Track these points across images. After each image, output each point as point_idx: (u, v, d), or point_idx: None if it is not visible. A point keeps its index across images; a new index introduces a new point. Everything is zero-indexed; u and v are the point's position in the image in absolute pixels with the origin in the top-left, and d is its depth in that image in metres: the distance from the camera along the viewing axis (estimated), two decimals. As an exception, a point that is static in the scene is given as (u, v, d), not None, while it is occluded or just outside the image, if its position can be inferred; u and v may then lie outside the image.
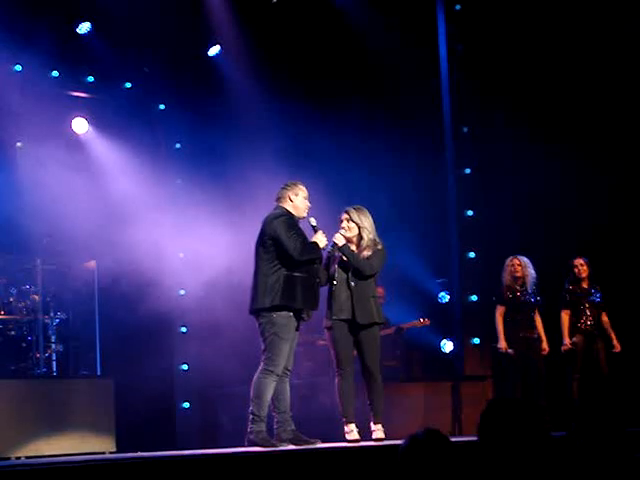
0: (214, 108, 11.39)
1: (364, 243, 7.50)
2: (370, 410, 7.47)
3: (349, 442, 7.33)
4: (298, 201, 7.29)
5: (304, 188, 7.36)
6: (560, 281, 9.70)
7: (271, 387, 7.07)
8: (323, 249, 7.29)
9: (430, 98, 11.07)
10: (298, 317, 7.19)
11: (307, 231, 7.40)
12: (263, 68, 10.98)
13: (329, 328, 7.47)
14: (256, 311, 7.17)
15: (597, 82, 10.42)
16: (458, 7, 11.00)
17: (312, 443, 7.07)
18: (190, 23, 10.62)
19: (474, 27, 10.87)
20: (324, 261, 7.45)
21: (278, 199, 7.35)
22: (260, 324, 7.16)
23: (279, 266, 7.12)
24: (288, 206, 7.29)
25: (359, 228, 7.51)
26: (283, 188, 7.35)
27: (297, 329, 7.25)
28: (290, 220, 7.19)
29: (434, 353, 11.04)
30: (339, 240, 7.44)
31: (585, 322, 9.48)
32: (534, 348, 9.39)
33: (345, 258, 7.45)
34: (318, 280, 7.26)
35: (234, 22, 10.87)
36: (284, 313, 7.09)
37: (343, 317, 7.43)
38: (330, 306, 7.46)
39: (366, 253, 7.47)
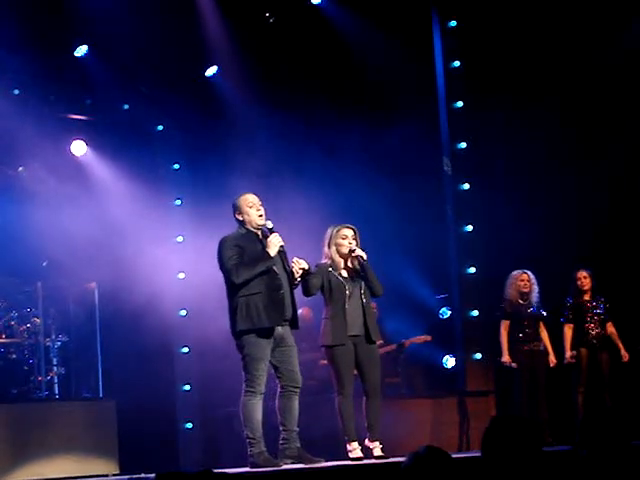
0: (212, 128, 11.42)
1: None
2: (368, 428, 7.44)
3: (352, 460, 7.32)
4: (246, 215, 7.16)
5: (246, 197, 7.19)
6: (561, 295, 9.71)
7: (258, 407, 7.01)
8: (281, 250, 7.10)
9: (427, 114, 11.08)
10: (271, 334, 7.04)
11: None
12: (261, 87, 11.00)
13: (336, 346, 7.39)
14: (234, 336, 7.13)
15: (597, 93, 10.44)
16: (453, 23, 11.02)
17: (316, 462, 7.04)
18: (187, 44, 10.64)
19: (470, 43, 10.89)
20: (313, 270, 7.39)
21: (236, 222, 7.27)
22: (237, 348, 7.14)
23: (236, 290, 7.04)
24: (243, 225, 7.19)
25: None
26: (233, 211, 7.24)
27: (280, 346, 7.12)
28: (232, 242, 7.07)
29: (436, 369, 11.02)
30: (364, 254, 7.45)
31: (589, 335, 9.48)
32: (539, 361, 9.41)
33: (361, 272, 7.44)
34: (282, 292, 7.09)
35: (231, 42, 10.90)
36: (252, 334, 6.99)
37: (356, 333, 7.40)
38: (340, 323, 7.37)
39: None
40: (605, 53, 10.30)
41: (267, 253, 7.05)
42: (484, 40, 10.74)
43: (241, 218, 7.20)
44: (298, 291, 7.42)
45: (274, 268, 7.10)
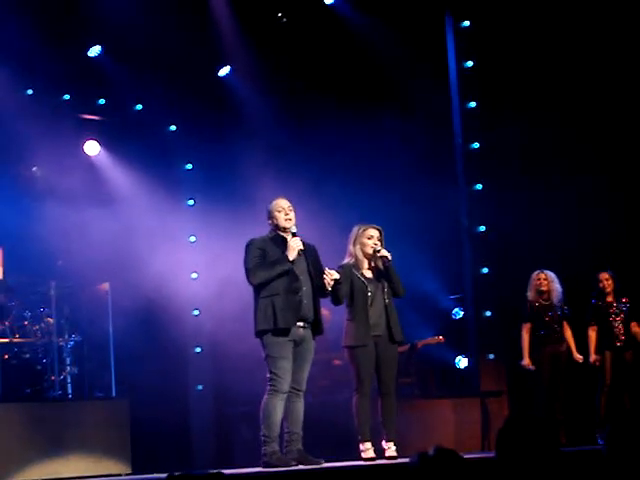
0: (225, 128, 11.43)
1: None
2: (383, 427, 7.45)
3: (365, 460, 7.32)
4: (274, 219, 7.29)
5: (278, 202, 7.31)
6: (576, 294, 9.67)
7: (279, 406, 7.05)
8: (299, 254, 7.16)
9: (441, 114, 11.07)
10: (288, 333, 7.10)
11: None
12: (274, 87, 11.01)
13: (358, 346, 7.41)
14: (256, 337, 7.23)
15: (610, 94, 10.39)
16: (467, 23, 11.01)
17: (316, 463, 7.04)
18: (200, 44, 10.66)
19: (483, 43, 10.87)
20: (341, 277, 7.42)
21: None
22: (262, 348, 7.20)
23: (258, 291, 7.16)
24: (273, 228, 7.32)
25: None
26: (266, 216, 7.40)
27: (298, 345, 7.17)
28: (256, 244, 7.21)
29: (449, 369, 11.00)
30: (389, 254, 7.47)
31: (614, 337, 9.44)
32: (559, 362, 9.38)
33: (385, 272, 7.49)
34: (300, 294, 7.14)
35: (244, 42, 10.91)
36: (270, 333, 7.08)
37: (378, 333, 7.45)
38: (362, 323, 7.42)
39: None
40: (622, 52, 10.25)
41: (286, 256, 7.13)
42: (497, 40, 10.72)
43: (271, 222, 7.33)
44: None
45: (295, 271, 7.16)
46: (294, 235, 7.24)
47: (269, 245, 7.22)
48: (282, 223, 7.26)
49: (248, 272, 7.14)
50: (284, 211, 7.27)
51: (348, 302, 7.54)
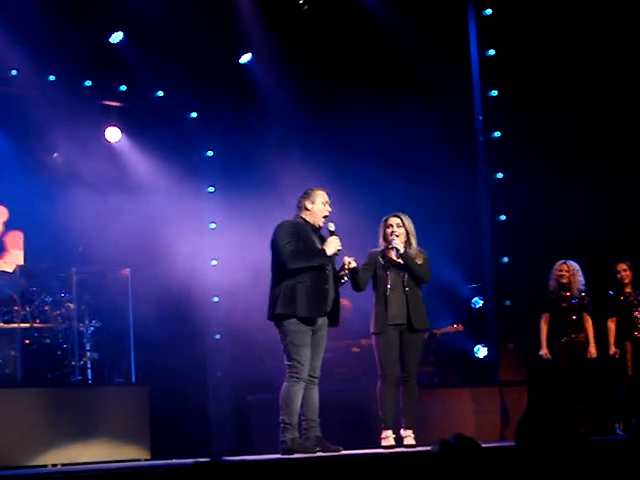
0: (246, 115, 11.43)
1: (413, 250, 7.56)
2: (403, 415, 7.47)
3: (384, 448, 7.33)
4: (315, 208, 7.26)
5: (323, 193, 7.31)
6: (595, 285, 9.63)
7: (299, 394, 7.08)
8: (336, 254, 7.21)
9: (462, 103, 11.04)
10: (311, 323, 7.15)
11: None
12: (295, 75, 11.00)
13: (379, 333, 7.49)
14: (271, 320, 7.22)
15: (630, 86, 10.35)
16: (489, 12, 10.97)
17: (335, 450, 7.06)
18: (222, 31, 10.66)
19: (505, 31, 10.83)
20: (361, 266, 7.44)
21: (298, 208, 7.35)
22: (279, 334, 7.20)
23: (283, 275, 7.12)
24: (304, 214, 7.28)
25: (407, 234, 7.57)
26: (301, 196, 7.34)
27: (315, 333, 7.18)
28: (291, 228, 7.17)
29: (468, 359, 10.99)
30: (401, 247, 7.47)
31: (633, 327, 9.41)
32: (577, 352, 9.34)
33: (402, 263, 7.50)
34: (327, 286, 7.20)
35: (266, 29, 10.90)
36: (292, 320, 7.08)
37: (399, 322, 7.48)
38: (381, 311, 7.48)
39: (418, 260, 7.55)
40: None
41: (324, 251, 7.14)
42: (519, 29, 10.67)
43: (309, 206, 7.26)
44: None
45: (325, 265, 7.20)
46: (333, 233, 7.23)
47: (301, 230, 7.20)
48: (320, 216, 7.22)
49: (286, 256, 7.05)
50: (327, 205, 7.28)
51: (373, 289, 7.58)
